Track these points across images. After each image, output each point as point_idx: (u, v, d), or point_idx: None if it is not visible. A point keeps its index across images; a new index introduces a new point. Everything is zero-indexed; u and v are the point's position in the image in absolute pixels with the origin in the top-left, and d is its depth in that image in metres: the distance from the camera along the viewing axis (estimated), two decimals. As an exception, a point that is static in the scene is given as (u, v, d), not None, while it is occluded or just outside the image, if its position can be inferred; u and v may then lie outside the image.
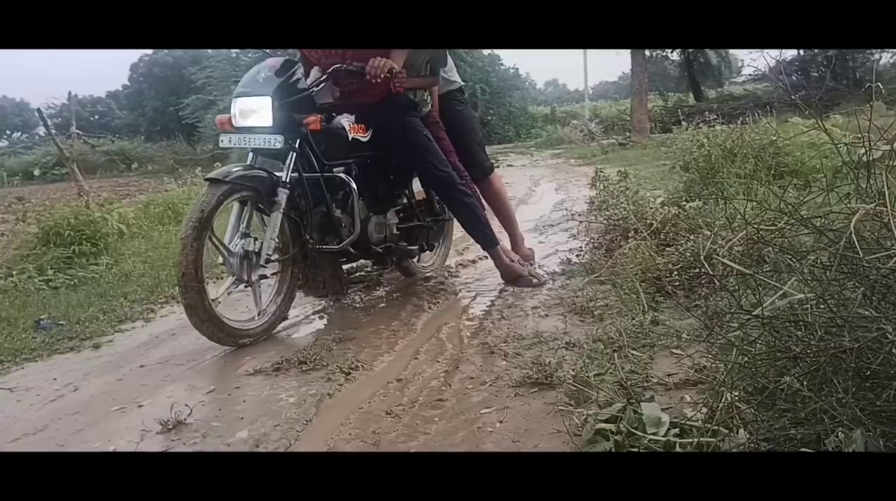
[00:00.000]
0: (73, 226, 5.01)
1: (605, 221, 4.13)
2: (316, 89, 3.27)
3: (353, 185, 3.31)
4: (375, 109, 3.49)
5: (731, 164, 4.56)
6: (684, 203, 4.02)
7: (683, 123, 8.50)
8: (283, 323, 3.38)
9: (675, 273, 3.09)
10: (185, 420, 2.22)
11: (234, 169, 3.02)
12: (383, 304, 3.61)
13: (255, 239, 3.05)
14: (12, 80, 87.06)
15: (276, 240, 3.12)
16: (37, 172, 35.71)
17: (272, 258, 3.10)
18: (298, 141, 3.13)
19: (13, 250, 4.78)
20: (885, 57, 26.03)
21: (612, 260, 3.48)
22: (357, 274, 4.18)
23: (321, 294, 3.50)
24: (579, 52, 25.10)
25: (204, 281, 2.80)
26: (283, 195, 3.05)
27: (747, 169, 4.45)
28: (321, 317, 3.49)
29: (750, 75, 29.85)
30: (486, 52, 30.65)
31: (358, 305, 3.60)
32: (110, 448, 2.08)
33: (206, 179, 3.00)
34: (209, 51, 36.62)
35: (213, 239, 2.92)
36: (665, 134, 21.38)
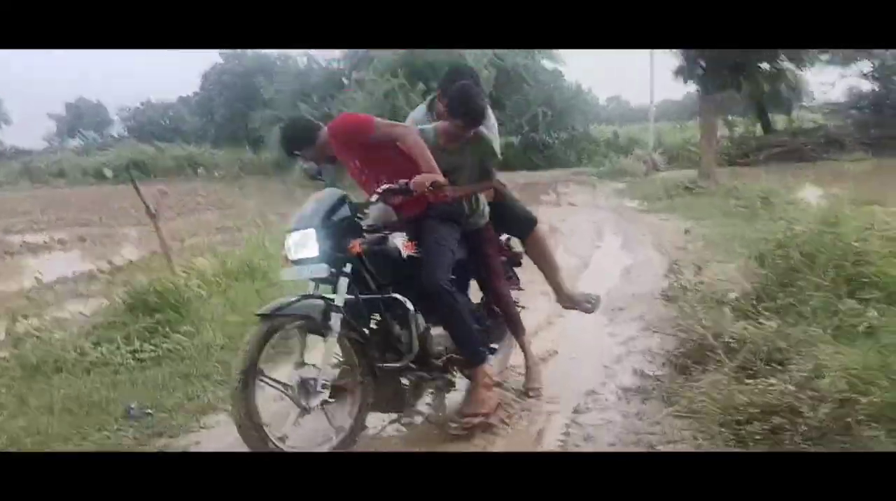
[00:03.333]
0: (158, 292, 5.23)
1: (680, 335, 4.12)
2: (366, 212, 3.37)
3: (410, 306, 3.36)
4: (421, 221, 3.52)
5: (811, 271, 4.49)
6: (762, 321, 3.97)
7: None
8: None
9: (757, 420, 3.07)
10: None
11: (289, 299, 3.14)
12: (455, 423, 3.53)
13: (314, 365, 3.13)
14: (91, 81, 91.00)
15: (334, 365, 3.24)
16: (108, 173, 37.19)
17: (332, 383, 3.17)
18: (350, 265, 3.22)
19: (103, 318, 5.03)
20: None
21: (690, 392, 3.47)
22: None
23: (384, 410, 3.50)
24: (645, 66, 24.71)
25: (261, 424, 2.92)
26: (336, 319, 3.12)
27: (828, 279, 4.37)
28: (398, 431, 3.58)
29: (821, 106, 29.02)
30: (549, 66, 30.66)
31: (431, 418, 3.65)
32: None
33: (256, 314, 3.12)
34: (277, 62, 37.71)
35: (265, 379, 3.04)
36: (731, 167, 21.04)
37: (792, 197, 10.25)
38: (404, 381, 3.48)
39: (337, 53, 29.47)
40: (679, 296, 4.92)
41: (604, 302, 5.80)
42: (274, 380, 3.11)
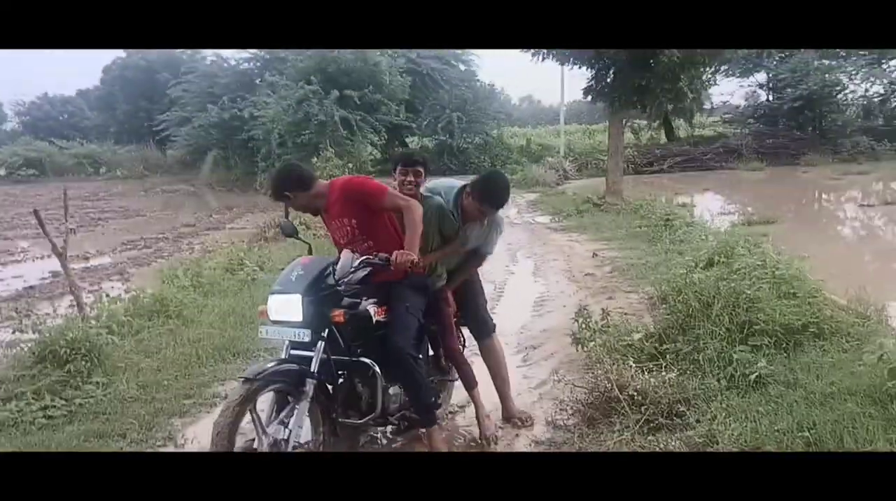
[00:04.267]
0: (69, 341, 5.10)
1: (588, 382, 4.36)
2: (346, 281, 3.49)
3: (376, 368, 3.56)
4: (392, 287, 3.70)
5: (707, 319, 4.83)
6: (664, 373, 4.26)
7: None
8: None
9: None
10: None
11: (268, 365, 3.29)
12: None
13: (286, 427, 3.24)
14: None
15: (302, 428, 3.32)
16: (2, 172, 35.15)
17: (301, 444, 3.30)
18: (327, 330, 3.37)
19: (12, 371, 4.87)
20: (851, 109, 27.01)
21: (597, 448, 3.71)
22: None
23: None
24: (556, 69, 25.24)
25: None
26: (310, 385, 3.28)
27: (722, 327, 4.72)
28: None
29: (721, 117, 30.58)
30: (462, 67, 31.00)
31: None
32: None
33: (240, 378, 3.27)
34: (184, 57, 36.41)
35: (255, 419, 3.17)
36: (638, 175, 21.95)
37: (692, 217, 10.82)
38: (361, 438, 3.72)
39: (246, 53, 28.78)
40: (587, 339, 5.19)
41: (518, 340, 6.09)
42: (261, 424, 3.22)
